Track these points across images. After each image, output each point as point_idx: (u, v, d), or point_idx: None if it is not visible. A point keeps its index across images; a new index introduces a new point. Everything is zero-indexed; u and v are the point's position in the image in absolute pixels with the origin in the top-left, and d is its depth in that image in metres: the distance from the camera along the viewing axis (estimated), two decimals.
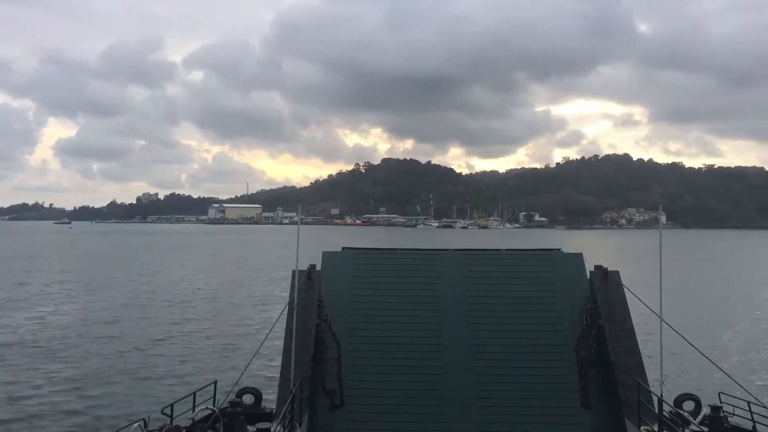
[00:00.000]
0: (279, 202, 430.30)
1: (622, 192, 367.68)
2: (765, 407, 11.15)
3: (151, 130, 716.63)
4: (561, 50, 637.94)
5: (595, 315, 14.36)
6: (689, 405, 12.50)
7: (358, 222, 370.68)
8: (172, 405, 9.98)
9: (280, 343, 13.76)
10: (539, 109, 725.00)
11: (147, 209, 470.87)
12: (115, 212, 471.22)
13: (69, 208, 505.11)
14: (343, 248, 17.37)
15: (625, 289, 14.68)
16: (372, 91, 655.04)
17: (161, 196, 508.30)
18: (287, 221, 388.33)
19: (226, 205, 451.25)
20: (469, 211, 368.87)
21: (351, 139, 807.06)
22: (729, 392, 12.56)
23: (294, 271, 14.16)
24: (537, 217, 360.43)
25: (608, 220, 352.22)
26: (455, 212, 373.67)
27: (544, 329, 14.58)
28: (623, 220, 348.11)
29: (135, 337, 34.52)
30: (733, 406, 11.87)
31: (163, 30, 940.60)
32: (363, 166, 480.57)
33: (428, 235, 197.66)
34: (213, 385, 12.17)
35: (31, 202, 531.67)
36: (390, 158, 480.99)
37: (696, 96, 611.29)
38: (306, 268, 15.06)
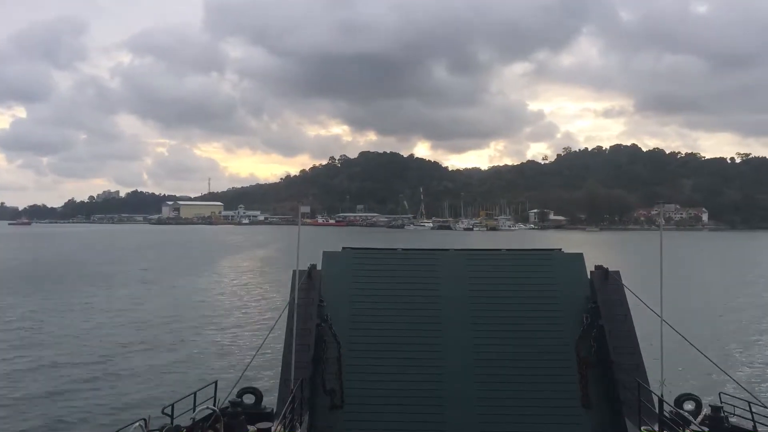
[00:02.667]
0: (245, 200, 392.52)
1: (646, 186, 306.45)
2: (765, 407, 11.15)
3: (90, 121, 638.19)
4: (530, 29, 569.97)
5: (596, 315, 14.36)
6: (690, 405, 12.50)
7: (331, 222, 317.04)
8: (172, 405, 9.98)
9: (280, 343, 13.76)
10: (509, 97, 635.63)
11: (106, 208, 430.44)
12: (73, 211, 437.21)
13: (22, 206, 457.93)
14: (344, 248, 17.40)
15: (625, 289, 14.68)
16: (322, 75, 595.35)
17: (123, 194, 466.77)
18: (247, 221, 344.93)
19: (181, 202, 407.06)
20: (463, 209, 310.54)
21: (310, 130, 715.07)
22: (729, 392, 12.58)
23: (294, 271, 14.16)
24: (552, 216, 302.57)
25: (643, 219, 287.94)
26: (447, 210, 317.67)
27: (545, 329, 14.57)
28: (662, 219, 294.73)
29: (135, 337, 34.55)
30: (734, 406, 11.88)
31: (90, 12, 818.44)
32: (339, 160, 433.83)
33: (429, 240, 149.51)
34: (213, 385, 12.16)
35: None
36: (368, 151, 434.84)
37: (682, 82, 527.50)
38: (306, 268, 15.06)
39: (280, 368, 13.38)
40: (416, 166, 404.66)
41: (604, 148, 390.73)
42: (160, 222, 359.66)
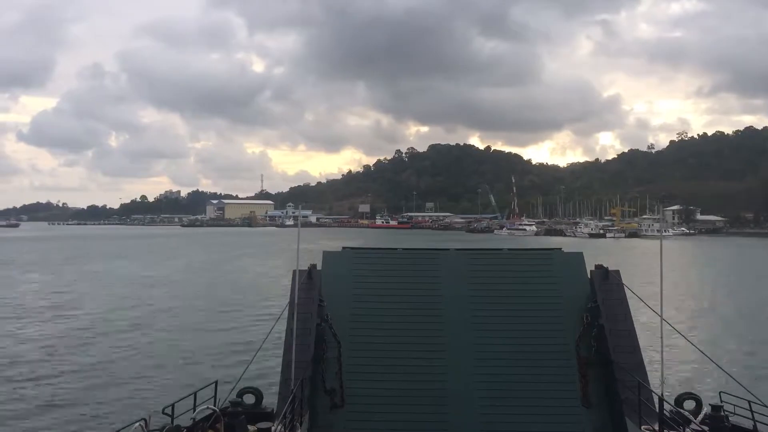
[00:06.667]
0: (302, 199, 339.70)
1: None
2: (766, 406, 11.16)
3: (110, 113, 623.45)
4: None
5: (596, 314, 14.36)
6: (690, 404, 12.50)
7: (393, 223, 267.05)
8: (172, 405, 9.99)
9: (280, 343, 13.78)
10: (569, 75, 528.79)
11: (167, 208, 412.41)
12: (130, 212, 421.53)
13: (82, 206, 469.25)
14: (344, 248, 17.44)
15: (625, 289, 14.68)
16: (345, 49, 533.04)
17: (183, 194, 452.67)
18: (291, 222, 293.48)
19: (227, 201, 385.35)
20: (561, 208, 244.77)
21: (349, 120, 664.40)
22: (730, 391, 12.56)
23: (294, 271, 14.17)
24: (699, 215, 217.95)
25: None
26: (541, 208, 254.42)
27: (545, 328, 14.57)
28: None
29: (135, 336, 34.56)
30: (734, 405, 11.88)
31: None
32: (406, 153, 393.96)
33: None
34: (214, 384, 12.17)
35: (45, 201, 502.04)
36: (438, 144, 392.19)
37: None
38: (306, 268, 15.08)
39: (280, 368, 13.40)
40: (493, 159, 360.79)
41: (727, 134, 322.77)
42: (191, 224, 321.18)
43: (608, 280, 14.90)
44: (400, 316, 14.86)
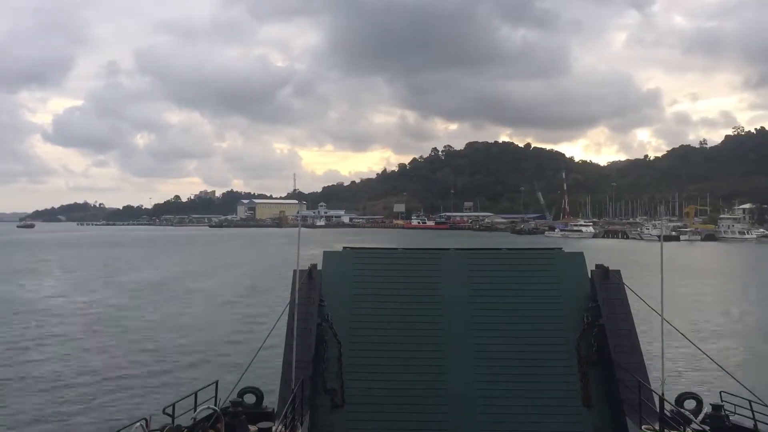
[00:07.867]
0: (335, 198, 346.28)
1: None
2: (766, 406, 11.16)
3: (132, 112, 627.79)
4: None
5: (596, 314, 14.36)
6: (690, 404, 12.51)
7: (430, 224, 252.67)
8: (173, 405, 10.00)
9: (281, 343, 13.77)
10: (601, 67, 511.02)
11: (199, 208, 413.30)
12: (162, 212, 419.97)
13: (118, 207, 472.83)
14: (344, 248, 17.44)
15: (626, 288, 14.67)
16: (365, 40, 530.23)
17: (219, 194, 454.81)
18: (322, 222, 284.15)
19: (258, 201, 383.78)
20: (612, 207, 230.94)
21: (376, 118, 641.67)
22: (730, 391, 12.56)
23: (295, 271, 14.18)
24: None
25: None
26: (589, 208, 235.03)
27: (545, 328, 14.58)
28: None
29: (136, 336, 34.58)
30: (735, 405, 11.89)
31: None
32: (442, 152, 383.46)
33: None
34: (214, 384, 12.18)
35: (82, 201, 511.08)
36: (476, 141, 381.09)
37: None
38: (307, 268, 15.09)
39: (280, 368, 13.40)
40: (534, 157, 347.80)
41: None
42: (219, 225, 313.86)
43: (609, 279, 14.89)
44: (400, 316, 14.86)
